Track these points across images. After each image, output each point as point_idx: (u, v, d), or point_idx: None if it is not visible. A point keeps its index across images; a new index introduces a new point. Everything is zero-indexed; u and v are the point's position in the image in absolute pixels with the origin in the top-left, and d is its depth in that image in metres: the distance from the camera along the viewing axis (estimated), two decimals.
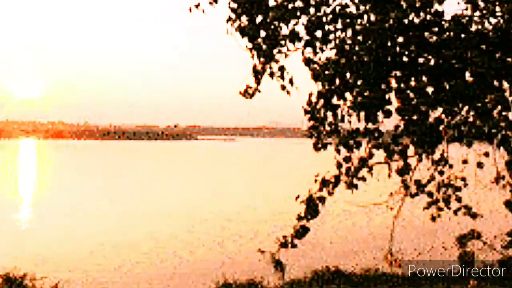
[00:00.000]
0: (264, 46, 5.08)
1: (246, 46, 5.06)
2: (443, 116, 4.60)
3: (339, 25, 5.08)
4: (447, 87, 4.48)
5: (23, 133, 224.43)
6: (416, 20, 4.71)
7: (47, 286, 15.88)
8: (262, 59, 5.13)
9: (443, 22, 4.64)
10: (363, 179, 4.92)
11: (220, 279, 16.82)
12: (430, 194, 5.18)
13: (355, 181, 4.95)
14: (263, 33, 5.08)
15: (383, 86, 4.75)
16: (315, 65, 5.03)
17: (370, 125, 4.78)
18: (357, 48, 4.77)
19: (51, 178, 66.80)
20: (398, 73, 4.73)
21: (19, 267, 16.29)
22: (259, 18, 4.98)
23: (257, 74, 5.16)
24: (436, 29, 4.62)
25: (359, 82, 4.76)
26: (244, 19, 4.98)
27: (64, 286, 16.50)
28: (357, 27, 4.85)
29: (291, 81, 5.14)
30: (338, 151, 4.90)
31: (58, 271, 20.68)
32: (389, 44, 4.69)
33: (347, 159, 4.95)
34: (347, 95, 4.90)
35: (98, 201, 43.28)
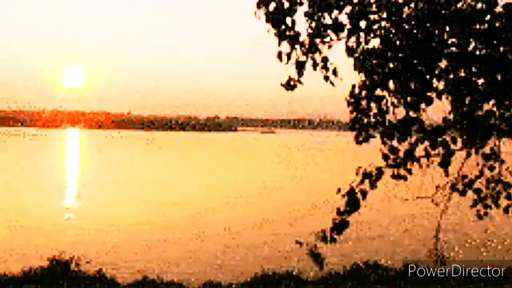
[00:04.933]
0: (289, 33, 4.99)
1: (274, 34, 4.99)
2: (494, 108, 4.40)
3: (384, 15, 4.94)
4: (499, 78, 4.29)
5: (68, 123, 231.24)
6: (465, 7, 4.51)
7: (91, 271, 16.38)
8: (288, 47, 5.05)
9: (495, 10, 4.43)
10: (409, 171, 4.77)
11: (259, 269, 16.90)
12: (477, 191, 4.97)
13: (402, 172, 4.82)
14: (289, 20, 4.99)
15: (428, 77, 4.59)
16: (359, 55, 4.92)
17: (413, 114, 4.63)
18: (402, 37, 4.62)
19: (95, 167, 68.64)
20: (446, 63, 4.55)
21: (65, 252, 16.87)
22: (286, 4, 4.89)
23: (299, 65, 5.07)
24: (488, 17, 4.42)
25: (403, 72, 4.62)
26: (272, 5, 4.90)
27: (108, 271, 16.97)
28: (403, 15, 4.70)
29: (334, 72, 5.03)
30: (384, 143, 4.78)
31: (102, 256, 21.28)
32: (436, 32, 4.52)
33: (394, 150, 4.81)
34: (391, 85, 4.76)
35: (142, 190, 44.19)
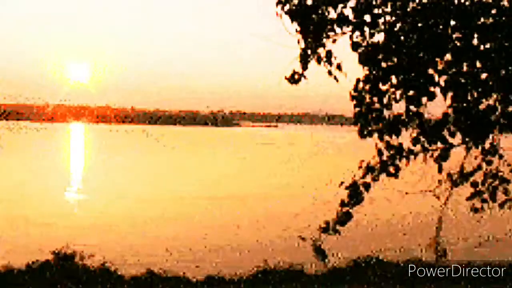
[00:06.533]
0: (313, 30, 4.97)
1: (296, 30, 4.97)
2: (496, 103, 4.40)
3: (388, 9, 4.94)
4: (503, 73, 4.28)
5: (72, 118, 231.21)
6: (468, 2, 4.51)
7: (95, 264, 16.47)
8: (309, 44, 5.03)
9: (500, 4, 4.42)
10: (398, 167, 4.78)
11: (262, 264, 16.96)
12: (474, 185, 4.97)
13: (393, 169, 4.83)
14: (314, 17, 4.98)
15: (431, 71, 4.59)
16: (363, 50, 4.92)
17: (413, 109, 4.63)
18: (406, 31, 4.62)
19: (100, 161, 68.77)
20: (449, 57, 4.55)
21: (70, 245, 16.97)
22: (309, 1, 4.88)
23: (304, 59, 5.07)
24: (494, 11, 4.41)
25: (407, 66, 4.62)
26: (295, 1, 4.88)
27: (112, 265, 17.05)
28: (408, 9, 4.69)
29: (339, 67, 5.03)
30: (381, 138, 4.79)
31: (107, 250, 21.39)
32: (440, 26, 4.51)
33: (389, 146, 4.83)
34: (394, 80, 4.77)
35: (147, 185, 44.31)
